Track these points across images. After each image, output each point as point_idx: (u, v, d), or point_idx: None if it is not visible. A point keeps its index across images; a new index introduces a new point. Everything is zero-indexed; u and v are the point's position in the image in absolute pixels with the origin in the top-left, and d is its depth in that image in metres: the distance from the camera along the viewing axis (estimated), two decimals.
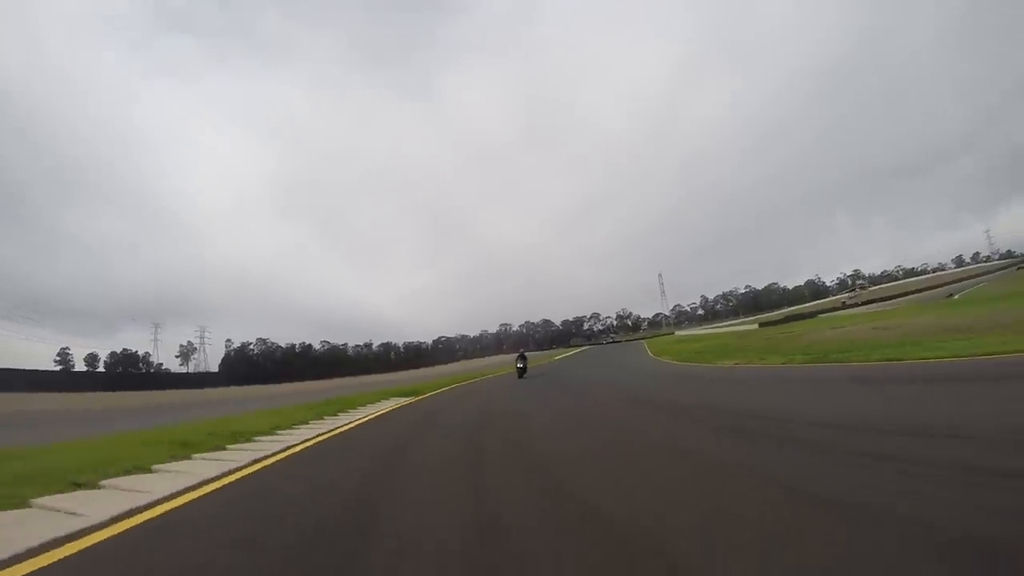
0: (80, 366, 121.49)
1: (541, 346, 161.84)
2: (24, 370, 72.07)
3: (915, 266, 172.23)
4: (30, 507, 5.16)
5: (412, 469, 6.51)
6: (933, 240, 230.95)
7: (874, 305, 70.50)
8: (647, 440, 7.28)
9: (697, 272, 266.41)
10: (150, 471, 6.91)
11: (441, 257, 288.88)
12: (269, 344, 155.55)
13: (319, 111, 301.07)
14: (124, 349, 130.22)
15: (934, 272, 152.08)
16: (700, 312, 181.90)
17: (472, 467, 6.31)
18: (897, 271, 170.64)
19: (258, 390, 65.23)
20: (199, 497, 5.58)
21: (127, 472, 6.74)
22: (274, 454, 8.16)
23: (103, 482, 6.21)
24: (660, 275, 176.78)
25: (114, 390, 71.99)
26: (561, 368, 39.98)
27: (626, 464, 5.80)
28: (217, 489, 5.94)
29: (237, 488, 5.98)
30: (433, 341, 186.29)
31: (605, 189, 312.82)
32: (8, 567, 3.59)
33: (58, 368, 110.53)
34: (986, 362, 11.10)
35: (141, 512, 5.00)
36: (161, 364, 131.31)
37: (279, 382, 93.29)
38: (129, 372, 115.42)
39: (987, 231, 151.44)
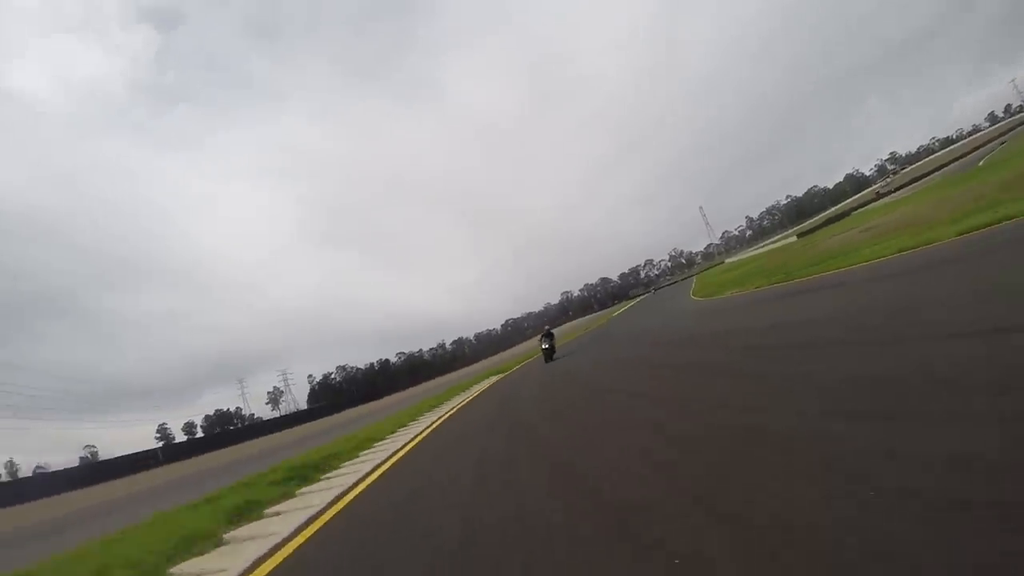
0: (180, 436, 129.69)
1: (604, 304, 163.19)
2: (129, 454, 78.68)
3: (951, 134, 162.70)
4: (262, 517, 7.62)
5: (521, 393, 16.54)
6: (965, 102, 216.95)
7: (904, 190, 68.61)
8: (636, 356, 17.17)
9: (738, 194, 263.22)
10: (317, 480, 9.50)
11: (486, 244, 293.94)
12: (348, 369, 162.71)
13: (329, 137, 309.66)
14: (216, 410, 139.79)
15: (969, 136, 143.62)
16: (748, 233, 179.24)
17: (546, 386, 16.05)
18: (934, 143, 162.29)
19: (349, 413, 69.59)
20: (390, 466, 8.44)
21: (286, 497, 9.29)
22: (414, 438, 11.26)
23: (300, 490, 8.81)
24: (701, 208, 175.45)
25: (215, 449, 77.53)
26: (598, 335, 44.29)
27: (613, 367, 15.90)
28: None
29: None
30: (502, 326, 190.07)
31: (626, 137, 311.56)
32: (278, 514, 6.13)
33: (160, 444, 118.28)
34: (857, 270, 15.07)
35: (346, 494, 7.56)
36: (252, 414, 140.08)
37: (366, 402, 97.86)
38: (226, 430, 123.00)
39: (1012, 80, 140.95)
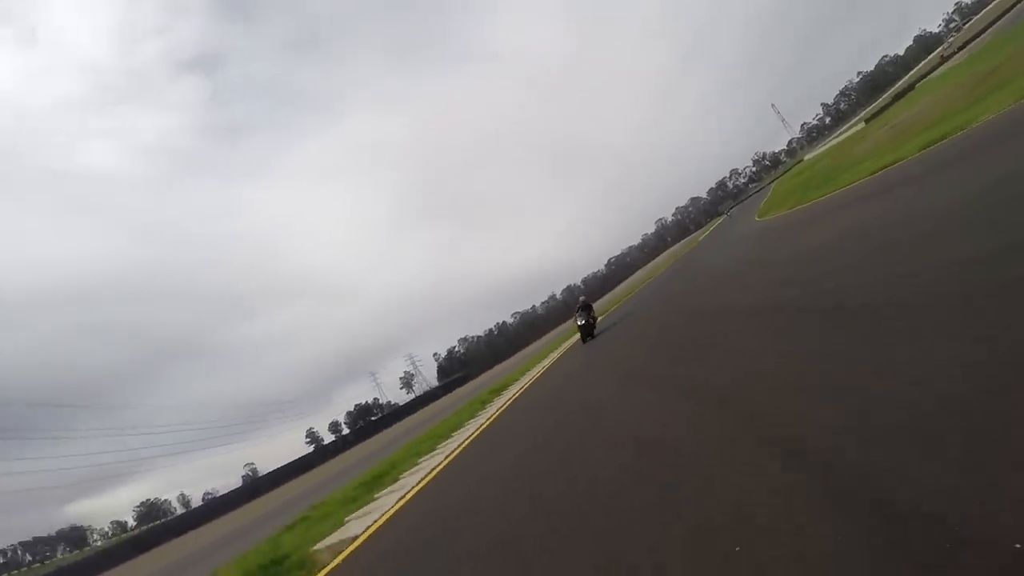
0: (328, 436, 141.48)
1: (699, 224, 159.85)
2: (290, 462, 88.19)
3: None
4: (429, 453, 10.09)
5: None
6: None
7: (965, 51, 61.17)
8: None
9: (808, 83, 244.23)
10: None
11: (574, 187, 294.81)
12: (469, 339, 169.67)
13: (397, 122, 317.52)
14: (356, 405, 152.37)
15: None
16: (828, 120, 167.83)
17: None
18: None
19: (478, 380, 74.54)
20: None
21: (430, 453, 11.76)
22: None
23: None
24: (773, 105, 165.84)
25: (363, 440, 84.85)
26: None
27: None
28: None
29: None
30: (606, 265, 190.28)
31: (683, 46, 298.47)
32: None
33: (311, 447, 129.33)
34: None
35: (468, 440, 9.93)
36: (389, 401, 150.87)
37: (492, 367, 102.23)
38: (368, 421, 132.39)
39: None
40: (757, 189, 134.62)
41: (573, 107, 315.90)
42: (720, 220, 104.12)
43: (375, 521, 7.84)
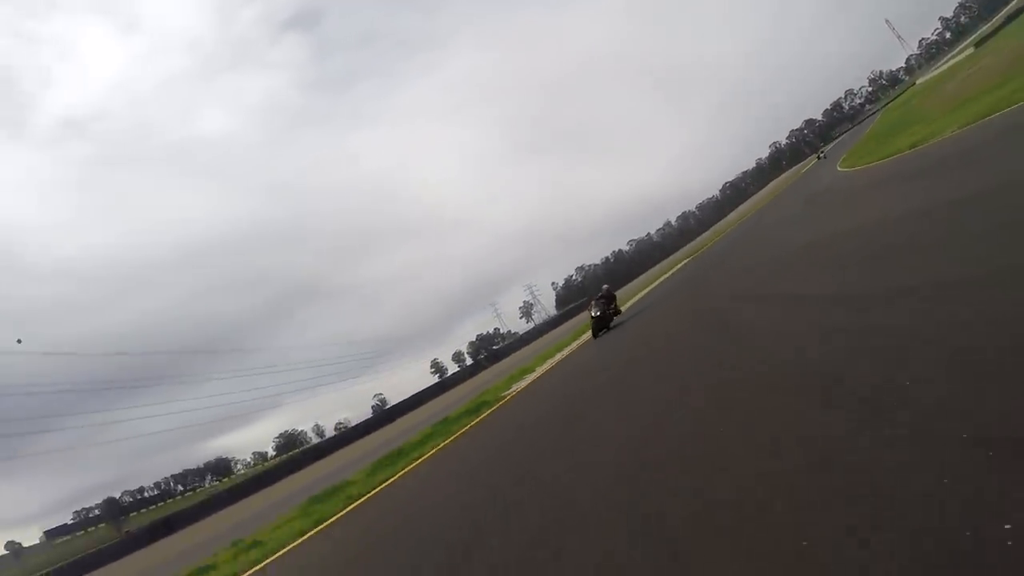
0: (451, 367, 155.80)
1: (815, 148, 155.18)
2: (421, 390, 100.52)
3: None
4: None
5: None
6: None
7: None
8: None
9: None
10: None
11: (685, 110, 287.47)
12: (586, 268, 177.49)
13: (502, 56, 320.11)
14: (478, 335, 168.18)
15: None
16: (947, 35, 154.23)
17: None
18: None
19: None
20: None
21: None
22: None
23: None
24: (887, 21, 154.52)
25: (486, 367, 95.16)
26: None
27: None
28: None
29: None
30: (720, 190, 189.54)
31: None
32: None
33: (436, 377, 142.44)
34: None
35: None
36: (510, 331, 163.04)
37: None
38: (490, 350, 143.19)
39: None
40: (871, 112, 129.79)
41: (683, 28, 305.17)
42: (827, 148, 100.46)
43: (524, 384, 15.24)
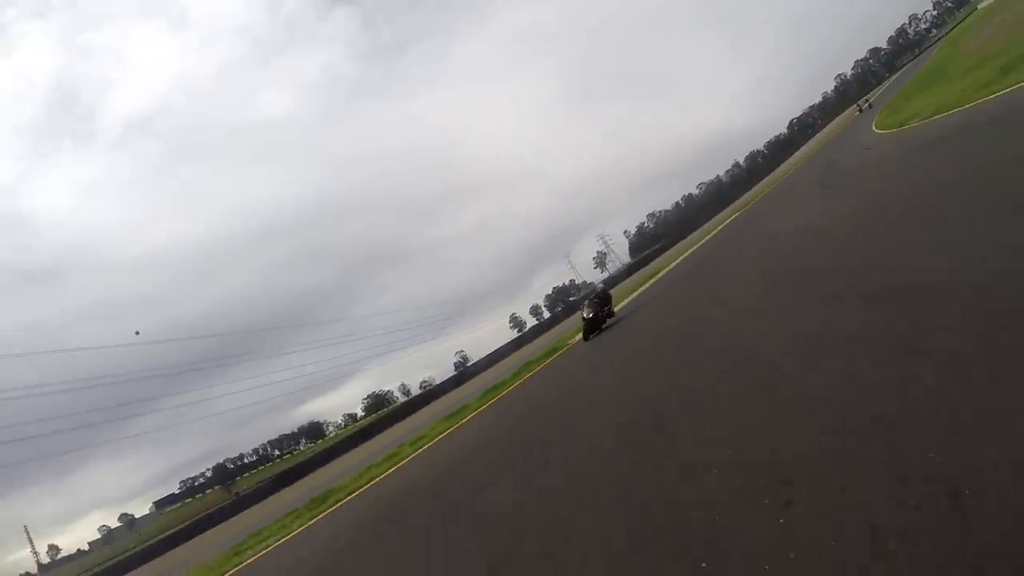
0: (529, 320, 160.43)
1: (880, 80, 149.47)
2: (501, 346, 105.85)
3: None
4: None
5: None
6: None
7: None
8: None
9: None
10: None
11: (745, 46, 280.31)
12: (657, 214, 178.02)
13: (552, 6, 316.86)
14: (553, 288, 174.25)
15: None
16: None
17: None
18: None
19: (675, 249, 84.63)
20: None
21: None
22: None
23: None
24: None
25: (562, 320, 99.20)
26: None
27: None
28: None
29: None
30: (787, 127, 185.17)
31: None
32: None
33: (516, 333, 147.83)
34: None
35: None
36: (585, 281, 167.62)
37: (684, 237, 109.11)
38: (566, 301, 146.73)
39: None
40: (936, 39, 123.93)
41: None
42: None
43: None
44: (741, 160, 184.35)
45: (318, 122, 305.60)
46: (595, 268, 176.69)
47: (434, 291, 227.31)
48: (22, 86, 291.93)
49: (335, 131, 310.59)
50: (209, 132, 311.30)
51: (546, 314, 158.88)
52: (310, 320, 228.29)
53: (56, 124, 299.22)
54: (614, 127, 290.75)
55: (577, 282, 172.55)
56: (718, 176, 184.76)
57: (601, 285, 25.68)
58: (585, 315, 22.18)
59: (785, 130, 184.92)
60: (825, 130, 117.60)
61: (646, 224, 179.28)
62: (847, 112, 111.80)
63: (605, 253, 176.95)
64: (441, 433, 16.90)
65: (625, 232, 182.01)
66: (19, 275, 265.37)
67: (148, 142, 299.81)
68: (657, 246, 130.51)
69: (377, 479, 14.75)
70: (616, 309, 23.97)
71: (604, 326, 21.94)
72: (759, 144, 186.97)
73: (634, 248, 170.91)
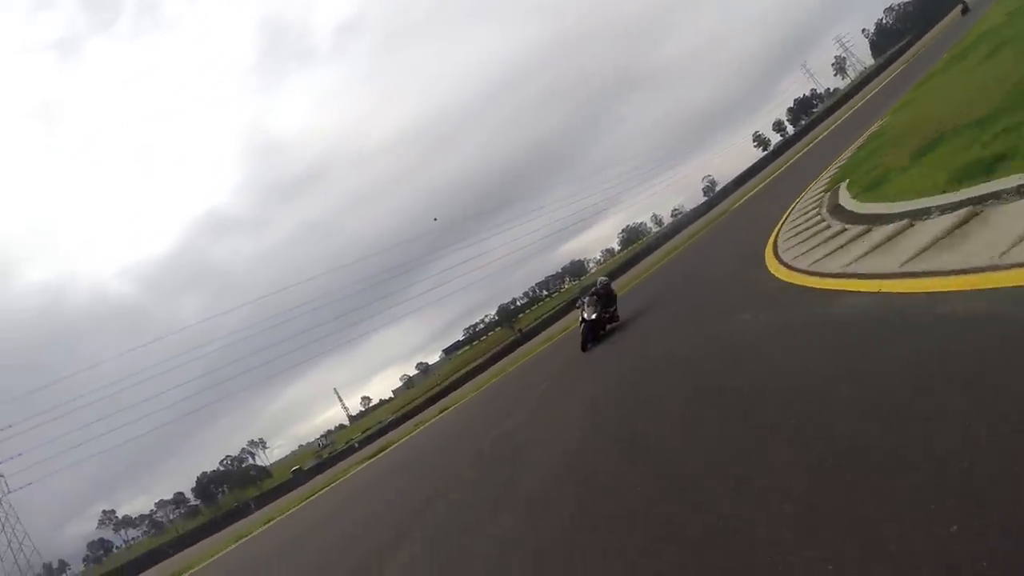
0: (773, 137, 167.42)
1: None
2: (749, 166, 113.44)
3: None
4: None
5: None
6: None
7: None
8: None
9: None
10: None
11: None
12: (896, 7, 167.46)
13: None
14: (795, 99, 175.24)
15: None
16: None
17: None
18: None
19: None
20: None
21: None
22: None
23: None
24: None
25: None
26: None
27: None
28: None
29: None
30: None
31: None
32: None
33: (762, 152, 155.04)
34: None
35: None
36: (827, 88, 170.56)
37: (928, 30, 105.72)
38: (810, 113, 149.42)
39: None
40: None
41: None
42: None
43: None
44: None
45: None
46: (835, 75, 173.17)
47: (674, 115, 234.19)
48: (241, 36, 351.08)
49: None
50: (413, 9, 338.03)
51: (790, 129, 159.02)
52: (558, 164, 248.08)
53: (278, 54, 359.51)
54: None
55: (818, 91, 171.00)
56: None
57: (604, 278, 20.38)
58: (584, 316, 18.03)
59: None
60: None
61: (884, 19, 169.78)
62: None
63: (843, 57, 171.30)
64: None
65: (864, 31, 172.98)
66: (291, 187, 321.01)
67: (362, 39, 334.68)
68: (903, 43, 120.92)
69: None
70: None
71: (605, 330, 18.18)
72: None
73: (875, 48, 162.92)
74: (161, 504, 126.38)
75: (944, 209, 6.59)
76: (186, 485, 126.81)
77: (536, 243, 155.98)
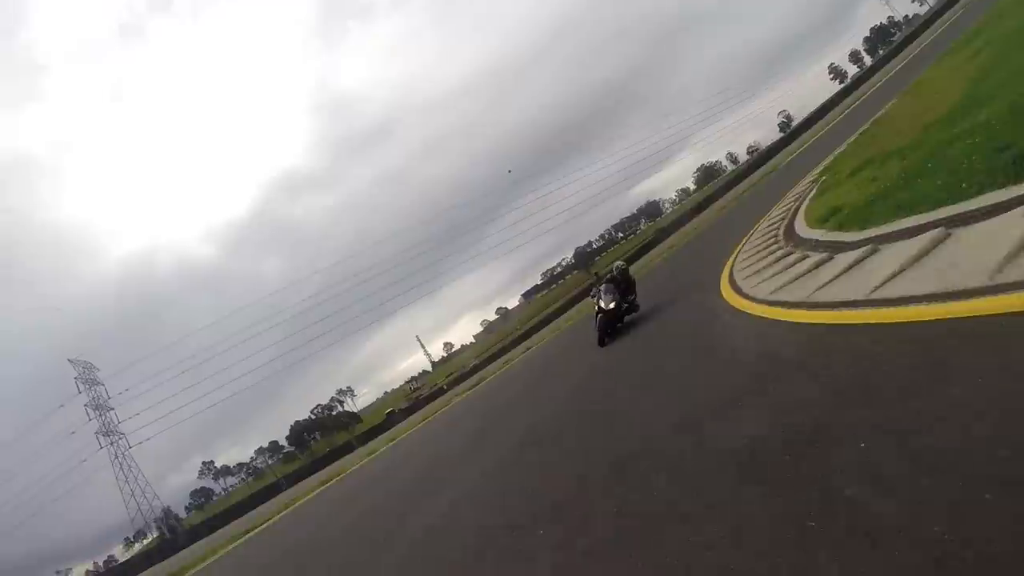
0: (850, 68, 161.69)
1: None
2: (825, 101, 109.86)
3: None
4: None
5: None
6: None
7: None
8: None
9: None
10: None
11: None
12: None
13: None
14: (871, 28, 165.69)
15: None
16: None
17: None
18: None
19: None
20: None
21: None
22: None
23: None
24: None
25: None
26: None
27: None
28: None
29: None
30: None
31: None
32: None
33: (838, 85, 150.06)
34: None
35: None
36: (906, 15, 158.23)
37: None
38: (889, 42, 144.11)
39: None
40: None
41: None
42: None
43: None
44: None
45: None
46: (913, 1, 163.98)
47: (747, 50, 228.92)
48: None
49: None
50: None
51: (867, 60, 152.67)
52: (631, 104, 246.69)
53: (337, 15, 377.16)
54: None
55: (896, 19, 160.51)
56: None
57: (622, 263, 18.30)
58: (601, 306, 16.00)
59: None
60: None
61: None
62: None
63: None
64: None
65: None
66: (362, 141, 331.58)
67: None
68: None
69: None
70: None
71: (623, 322, 16.53)
72: None
73: None
74: (259, 451, 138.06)
75: None
76: (279, 434, 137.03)
77: (611, 185, 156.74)
